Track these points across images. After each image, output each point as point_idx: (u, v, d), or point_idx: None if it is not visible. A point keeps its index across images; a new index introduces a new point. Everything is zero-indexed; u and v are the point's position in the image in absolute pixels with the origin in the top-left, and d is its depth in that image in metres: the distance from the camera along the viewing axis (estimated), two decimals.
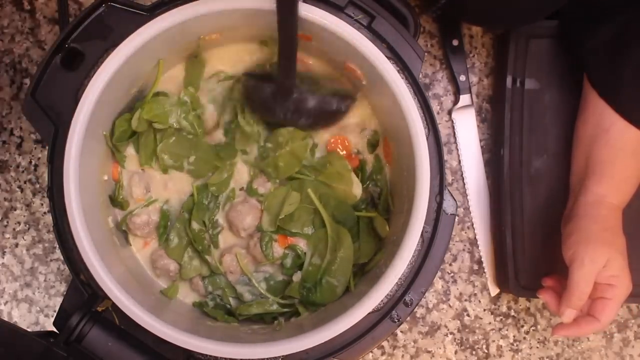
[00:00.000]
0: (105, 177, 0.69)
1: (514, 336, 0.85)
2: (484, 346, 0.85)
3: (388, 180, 0.72)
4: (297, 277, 0.70)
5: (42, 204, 0.82)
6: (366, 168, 0.72)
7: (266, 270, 0.71)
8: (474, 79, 0.86)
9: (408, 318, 0.65)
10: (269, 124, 0.70)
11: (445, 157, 0.83)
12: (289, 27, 0.58)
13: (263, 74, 0.69)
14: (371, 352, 0.83)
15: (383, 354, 0.84)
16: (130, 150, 0.70)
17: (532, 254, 0.81)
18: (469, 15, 0.78)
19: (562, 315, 0.71)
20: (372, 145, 0.72)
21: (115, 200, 0.69)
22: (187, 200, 0.70)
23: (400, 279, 0.61)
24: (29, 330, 0.72)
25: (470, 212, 0.85)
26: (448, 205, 0.64)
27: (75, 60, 0.62)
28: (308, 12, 0.61)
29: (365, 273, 0.68)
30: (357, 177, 0.71)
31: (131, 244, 0.71)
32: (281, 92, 0.65)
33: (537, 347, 0.85)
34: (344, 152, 0.72)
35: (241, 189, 0.71)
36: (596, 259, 0.68)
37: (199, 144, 0.70)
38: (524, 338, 0.85)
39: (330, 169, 0.70)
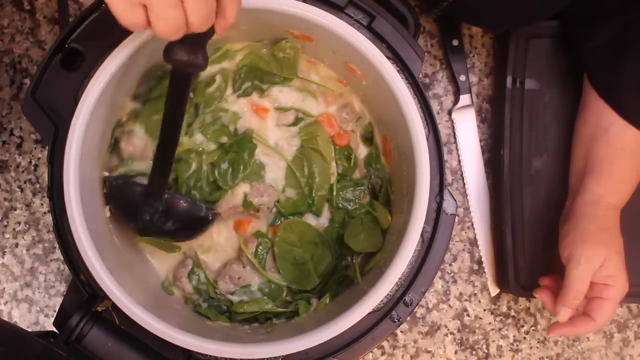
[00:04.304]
0: (106, 174, 0.68)
1: (514, 336, 0.85)
2: (484, 346, 0.85)
3: (387, 171, 0.72)
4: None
5: (42, 204, 0.82)
6: (352, 146, 0.72)
7: (260, 280, 0.72)
8: (474, 79, 0.86)
9: (408, 318, 0.65)
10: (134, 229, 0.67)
11: (445, 157, 0.83)
12: (175, 112, 0.56)
13: (127, 180, 0.67)
14: (371, 352, 0.83)
15: (383, 354, 0.84)
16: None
17: (532, 254, 0.81)
18: (470, 17, 0.78)
19: (557, 314, 0.71)
20: (368, 139, 0.73)
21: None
22: None
23: (400, 279, 0.61)
24: (29, 330, 0.72)
25: (470, 212, 0.85)
26: (448, 205, 0.64)
27: (75, 60, 0.62)
28: (308, 12, 0.60)
29: (365, 273, 0.69)
30: (345, 156, 0.72)
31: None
32: (153, 189, 0.64)
33: (537, 347, 0.85)
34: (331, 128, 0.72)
35: None
36: (592, 259, 0.68)
37: None
38: (524, 338, 0.85)
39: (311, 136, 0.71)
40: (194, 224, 0.67)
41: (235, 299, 0.71)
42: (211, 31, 0.51)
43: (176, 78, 0.55)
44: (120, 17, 0.47)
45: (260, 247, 0.71)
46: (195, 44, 0.52)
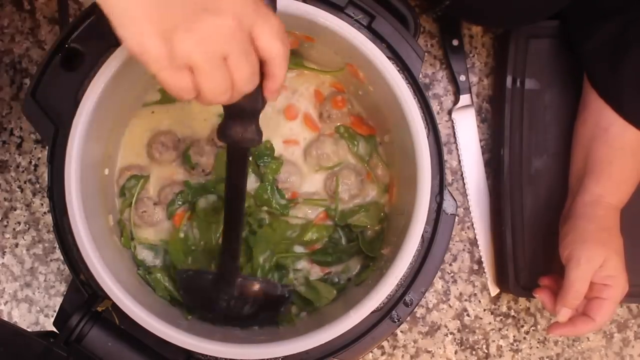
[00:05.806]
0: (107, 172, 0.68)
1: (514, 336, 0.85)
2: (484, 346, 0.85)
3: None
4: None
5: (42, 204, 0.82)
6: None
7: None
8: (474, 79, 0.86)
9: (408, 318, 0.65)
10: (208, 319, 0.67)
11: (445, 157, 0.83)
12: (237, 186, 0.57)
13: (198, 271, 0.67)
14: (371, 352, 0.83)
15: (383, 354, 0.84)
16: None
17: (532, 254, 0.81)
18: (470, 16, 0.78)
19: (557, 314, 0.71)
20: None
21: None
22: None
23: (400, 279, 0.61)
24: (29, 330, 0.72)
25: (470, 212, 0.85)
26: (448, 205, 0.63)
27: (75, 60, 0.62)
28: (309, 13, 0.60)
29: (359, 283, 0.68)
30: None
31: None
32: (225, 276, 0.64)
33: (537, 347, 0.85)
34: None
35: None
36: (592, 259, 0.68)
37: None
38: (524, 338, 0.85)
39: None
40: (271, 304, 0.66)
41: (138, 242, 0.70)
42: (260, 102, 0.50)
43: (234, 155, 0.56)
44: (168, 85, 0.44)
45: (180, 196, 0.69)
46: (246, 119, 0.52)
